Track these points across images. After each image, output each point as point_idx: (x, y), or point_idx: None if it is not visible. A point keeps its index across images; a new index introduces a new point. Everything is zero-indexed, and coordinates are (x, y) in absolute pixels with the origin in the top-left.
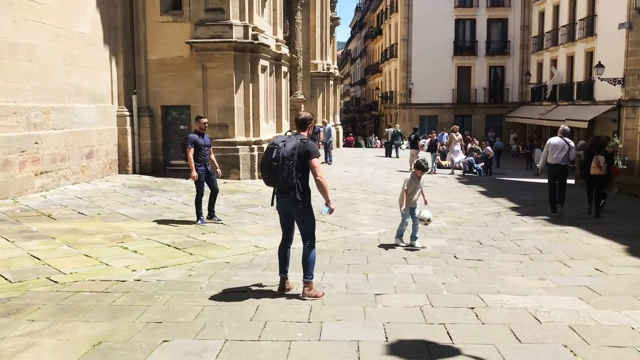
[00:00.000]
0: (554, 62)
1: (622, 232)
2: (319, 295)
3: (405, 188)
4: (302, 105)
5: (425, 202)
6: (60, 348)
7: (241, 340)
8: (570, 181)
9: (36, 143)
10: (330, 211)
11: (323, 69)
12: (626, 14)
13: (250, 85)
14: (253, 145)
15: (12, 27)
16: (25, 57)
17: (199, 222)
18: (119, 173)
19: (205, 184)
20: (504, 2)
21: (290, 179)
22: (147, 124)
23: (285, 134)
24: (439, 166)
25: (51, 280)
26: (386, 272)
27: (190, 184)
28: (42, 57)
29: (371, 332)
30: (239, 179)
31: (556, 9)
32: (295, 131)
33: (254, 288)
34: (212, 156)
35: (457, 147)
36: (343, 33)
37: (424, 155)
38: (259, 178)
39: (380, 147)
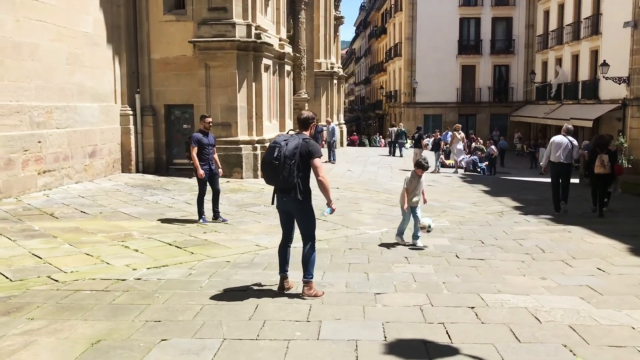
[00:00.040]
0: (559, 61)
1: (626, 232)
2: (319, 294)
3: (406, 187)
4: (306, 104)
5: (425, 202)
6: (58, 346)
7: (239, 339)
8: (575, 180)
9: (39, 142)
10: (332, 211)
11: (327, 68)
12: (631, 12)
13: (253, 84)
14: (256, 145)
15: (15, 26)
16: (28, 56)
17: (201, 221)
18: (122, 172)
19: (208, 184)
20: (509, 1)
21: (291, 179)
22: (150, 123)
23: (287, 133)
24: (443, 165)
25: (52, 279)
26: (387, 272)
27: (193, 183)
28: (45, 57)
29: (370, 331)
30: (241, 178)
31: (561, 7)
32: (297, 130)
33: (254, 287)
34: (216, 156)
35: (460, 146)
36: (347, 32)
37: (428, 154)
38: (261, 177)
39: (384, 146)
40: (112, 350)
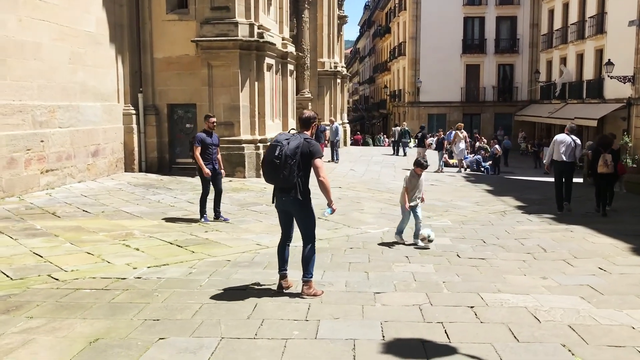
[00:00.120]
0: (564, 60)
1: (629, 231)
2: (318, 293)
3: (406, 186)
4: (309, 103)
5: (422, 200)
6: (56, 345)
7: (237, 338)
8: (578, 180)
9: (42, 141)
10: (333, 211)
11: (330, 67)
12: (636, 11)
13: (256, 83)
14: (259, 144)
15: (17, 25)
16: (30, 55)
17: (202, 220)
18: (125, 171)
19: (211, 183)
20: (513, 0)
21: (291, 178)
22: (153, 122)
23: (289, 132)
24: (447, 165)
25: (52, 277)
26: (387, 271)
27: (195, 182)
28: (47, 56)
29: (368, 330)
30: (244, 177)
31: (566, 6)
32: (298, 130)
33: (253, 286)
34: (219, 156)
35: (462, 145)
36: (352, 31)
37: (432, 153)
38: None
39: (388, 145)
40: (109, 349)
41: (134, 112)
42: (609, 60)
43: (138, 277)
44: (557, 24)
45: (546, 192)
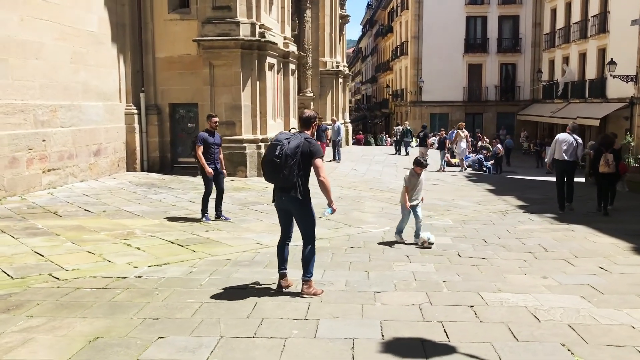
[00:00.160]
0: (566, 60)
1: (630, 231)
2: (318, 292)
3: (406, 185)
4: (311, 103)
5: (422, 199)
6: (56, 344)
7: (236, 337)
8: (580, 179)
9: (44, 140)
10: (333, 211)
11: (332, 67)
12: (639, 10)
13: (258, 83)
14: (260, 143)
15: (19, 25)
16: (32, 55)
17: (204, 219)
18: (127, 171)
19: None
20: None
21: (291, 177)
22: (155, 122)
23: (289, 131)
24: (449, 164)
25: (53, 276)
26: (387, 270)
27: (197, 181)
28: (49, 55)
29: (367, 329)
30: (245, 176)
31: (568, 5)
32: (299, 129)
33: (253, 285)
34: (221, 155)
35: (463, 144)
36: (354, 31)
37: (434, 153)
38: None
39: (390, 144)
40: (108, 348)
41: (135, 111)
42: (612, 59)
43: (138, 276)
44: (560, 23)
45: (548, 192)
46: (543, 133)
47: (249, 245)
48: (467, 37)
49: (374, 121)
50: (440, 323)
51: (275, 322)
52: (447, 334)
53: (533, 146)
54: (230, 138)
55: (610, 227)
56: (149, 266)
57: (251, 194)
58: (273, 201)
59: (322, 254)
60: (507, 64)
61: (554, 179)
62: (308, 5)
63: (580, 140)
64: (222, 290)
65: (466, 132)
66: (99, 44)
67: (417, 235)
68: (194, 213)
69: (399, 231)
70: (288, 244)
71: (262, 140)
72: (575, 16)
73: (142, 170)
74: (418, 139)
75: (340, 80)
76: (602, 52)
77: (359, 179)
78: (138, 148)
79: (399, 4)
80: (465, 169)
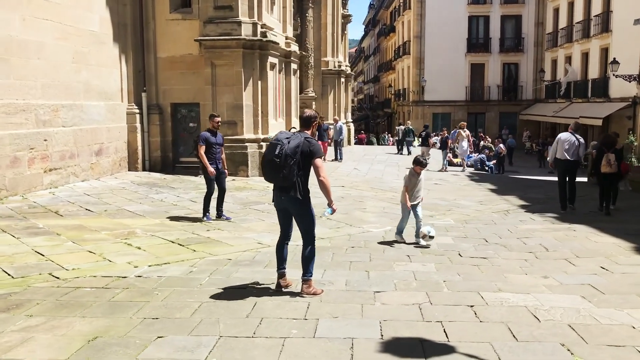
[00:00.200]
0: (569, 59)
1: (632, 230)
2: (318, 292)
3: (406, 185)
4: (313, 102)
5: (422, 199)
6: (55, 343)
7: (235, 336)
8: (583, 179)
9: (45, 140)
10: (333, 212)
11: (334, 67)
12: None
13: (259, 82)
14: (262, 143)
15: (21, 24)
16: (34, 54)
17: (205, 218)
18: (129, 170)
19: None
20: None
21: (291, 177)
22: (156, 122)
23: (290, 131)
24: (451, 164)
25: (53, 276)
26: (388, 270)
27: (199, 181)
28: (51, 55)
29: (367, 329)
30: (247, 176)
31: (571, 5)
32: (300, 129)
33: (253, 285)
34: (223, 155)
35: (464, 144)
36: (357, 30)
37: (436, 152)
38: None
39: (393, 144)
40: (107, 347)
41: (137, 111)
42: (615, 59)
43: (139, 276)
44: (562, 22)
45: (550, 191)
46: (545, 133)
47: (249, 245)
48: (469, 37)
49: (376, 121)
50: (440, 323)
51: (274, 322)
52: (446, 334)
53: (535, 146)
54: (231, 138)
55: (612, 226)
56: (149, 266)
57: (252, 194)
58: (273, 201)
59: (322, 253)
60: (510, 63)
61: (556, 178)
62: (310, 4)
63: (582, 140)
64: (222, 290)
65: (467, 132)
66: (100, 44)
67: (417, 235)
68: (195, 212)
69: (400, 231)
70: (287, 244)
71: (264, 140)
72: (578, 16)
73: (144, 169)
74: (420, 139)
75: (342, 79)
76: (604, 51)
77: (360, 178)
78: (140, 148)
79: (401, 4)
80: (465, 169)
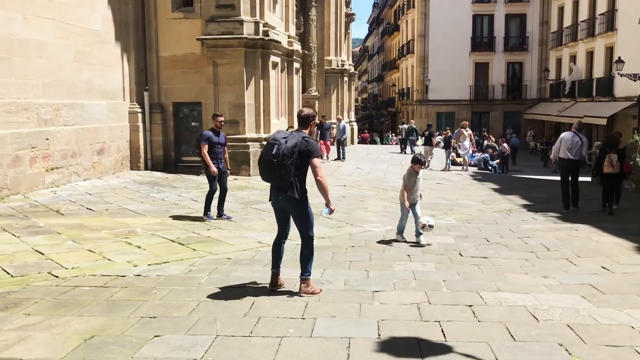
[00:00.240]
0: (573, 58)
1: (634, 230)
2: (316, 291)
3: (405, 184)
4: (316, 102)
5: (420, 197)
6: (51, 342)
7: (232, 336)
8: (586, 179)
9: (47, 139)
10: (331, 212)
11: (337, 66)
12: None
13: (261, 81)
14: (264, 142)
15: (23, 23)
16: (36, 53)
17: (206, 218)
18: (131, 169)
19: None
20: None
21: (288, 177)
22: (158, 121)
23: (287, 130)
24: (454, 163)
25: (52, 274)
26: (387, 269)
27: (200, 180)
28: (53, 54)
29: (364, 329)
30: (249, 175)
31: (576, 3)
32: (297, 128)
33: (252, 284)
34: (226, 155)
35: (467, 143)
36: (361, 29)
37: (440, 152)
38: None
39: (396, 143)
40: (104, 346)
41: (139, 110)
42: (619, 57)
43: (138, 275)
44: (567, 21)
45: (552, 191)
46: (550, 132)
47: (249, 244)
48: (473, 36)
49: (380, 120)
50: (438, 322)
51: (271, 321)
52: (444, 334)
53: (539, 145)
54: (233, 137)
55: (615, 226)
56: (149, 265)
57: (254, 193)
58: (270, 200)
59: (322, 252)
60: (514, 62)
61: (558, 178)
62: (313, 3)
63: (585, 139)
64: (220, 289)
65: (470, 131)
66: (102, 43)
67: (417, 234)
68: (196, 212)
69: (400, 230)
70: (284, 242)
71: (266, 139)
72: (583, 14)
73: (146, 168)
74: (423, 138)
75: (346, 79)
76: (609, 50)
77: (363, 177)
78: (142, 147)
79: (405, 3)
80: (467, 169)
